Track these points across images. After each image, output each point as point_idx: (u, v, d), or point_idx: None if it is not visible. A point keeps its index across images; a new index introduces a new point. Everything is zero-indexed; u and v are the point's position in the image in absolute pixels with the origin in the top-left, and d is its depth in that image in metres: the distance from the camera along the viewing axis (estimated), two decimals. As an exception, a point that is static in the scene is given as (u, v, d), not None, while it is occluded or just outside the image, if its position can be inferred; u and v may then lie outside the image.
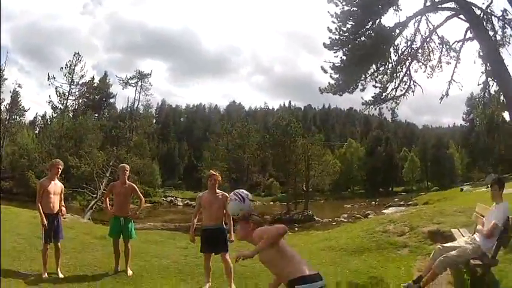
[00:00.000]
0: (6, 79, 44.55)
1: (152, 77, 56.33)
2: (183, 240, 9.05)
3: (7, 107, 45.67)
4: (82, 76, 47.33)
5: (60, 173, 5.84)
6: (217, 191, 5.36)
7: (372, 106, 13.81)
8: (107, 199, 6.32)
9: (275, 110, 79.10)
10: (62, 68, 46.51)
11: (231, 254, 5.17)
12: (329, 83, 13.06)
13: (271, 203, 42.90)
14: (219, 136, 47.12)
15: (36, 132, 55.12)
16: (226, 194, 4.95)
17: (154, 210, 31.48)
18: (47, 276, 5.42)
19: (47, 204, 5.57)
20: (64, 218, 5.98)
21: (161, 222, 23.24)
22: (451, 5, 12.17)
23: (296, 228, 17.53)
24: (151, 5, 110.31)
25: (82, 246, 7.44)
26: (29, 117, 67.87)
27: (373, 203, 42.60)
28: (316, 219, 23.77)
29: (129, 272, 5.88)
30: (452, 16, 12.25)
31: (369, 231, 8.44)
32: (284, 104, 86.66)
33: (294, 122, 37.03)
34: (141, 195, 6.34)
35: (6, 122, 45.27)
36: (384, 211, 25.91)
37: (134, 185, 6.25)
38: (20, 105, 47.52)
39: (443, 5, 12.44)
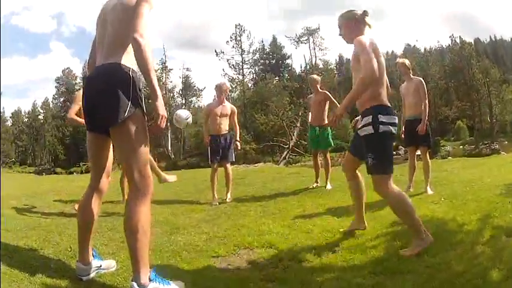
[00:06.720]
0: (171, 69, 48.18)
1: (322, 31, 53.95)
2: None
3: (180, 92, 49.58)
4: (251, 44, 48.56)
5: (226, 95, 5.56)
6: None
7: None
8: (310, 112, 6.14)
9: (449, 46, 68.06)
10: (228, 41, 47.82)
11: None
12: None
13: (461, 147, 39.78)
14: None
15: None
16: None
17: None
18: (217, 204, 5.06)
19: (214, 126, 5.43)
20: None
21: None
22: None
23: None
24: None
25: (273, 178, 8.05)
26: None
27: None
28: (502, 153, 21.20)
29: (328, 186, 5.56)
30: None
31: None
32: (455, 40, 72.70)
33: (465, 43, 37.20)
34: (335, 101, 5.81)
35: (184, 107, 47.97)
36: None
37: (327, 92, 5.95)
38: (194, 86, 50.63)
39: None
